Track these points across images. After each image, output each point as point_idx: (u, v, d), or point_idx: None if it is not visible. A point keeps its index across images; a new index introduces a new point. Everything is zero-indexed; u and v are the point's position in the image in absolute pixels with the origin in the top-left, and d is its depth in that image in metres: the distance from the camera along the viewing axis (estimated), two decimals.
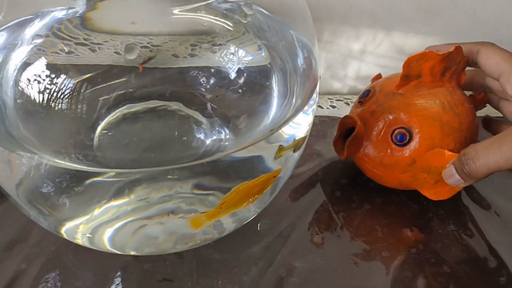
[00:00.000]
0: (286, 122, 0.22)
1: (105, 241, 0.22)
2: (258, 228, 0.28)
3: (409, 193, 0.31)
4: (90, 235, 0.21)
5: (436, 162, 0.27)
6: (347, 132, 0.30)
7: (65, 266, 0.25)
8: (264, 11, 0.26)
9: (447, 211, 0.30)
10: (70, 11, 0.23)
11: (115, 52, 0.26)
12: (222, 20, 0.24)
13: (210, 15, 0.24)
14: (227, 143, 0.25)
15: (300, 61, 0.26)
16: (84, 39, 0.25)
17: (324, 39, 0.38)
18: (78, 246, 0.26)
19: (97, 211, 0.20)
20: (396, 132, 0.28)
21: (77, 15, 0.24)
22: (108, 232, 0.21)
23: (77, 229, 0.21)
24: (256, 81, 0.26)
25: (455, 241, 0.29)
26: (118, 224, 0.21)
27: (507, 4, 0.38)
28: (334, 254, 0.27)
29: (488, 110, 0.32)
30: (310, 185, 0.32)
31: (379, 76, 0.32)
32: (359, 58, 0.40)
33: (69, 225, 0.21)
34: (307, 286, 0.25)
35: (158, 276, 0.25)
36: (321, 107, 0.39)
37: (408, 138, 0.27)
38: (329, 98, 0.40)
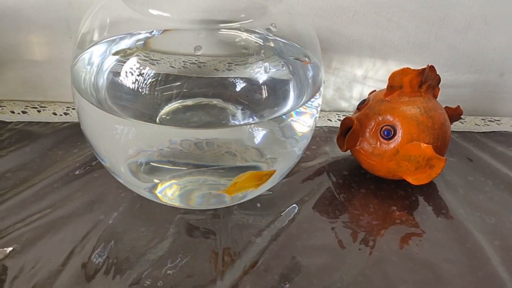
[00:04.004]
0: (295, 109, 0.31)
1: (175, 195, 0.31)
2: (271, 192, 0.36)
3: (397, 183, 0.39)
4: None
5: (414, 152, 0.35)
6: (346, 131, 0.38)
7: (132, 218, 0.34)
8: (284, 40, 0.36)
9: (427, 197, 0.38)
10: (152, 33, 0.33)
11: (170, 66, 0.35)
12: (253, 36, 0.34)
13: (245, 33, 0.34)
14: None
15: (310, 73, 0.35)
16: (145, 56, 0.34)
17: (333, 66, 0.47)
18: (141, 205, 0.35)
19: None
20: (383, 128, 0.36)
21: (143, 40, 0.34)
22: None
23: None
24: (278, 87, 0.35)
25: (432, 217, 0.36)
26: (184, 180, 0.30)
27: (483, 39, 0.47)
28: (337, 222, 0.35)
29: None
30: (319, 174, 0.40)
31: (374, 91, 0.41)
32: (362, 82, 0.49)
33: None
34: (314, 242, 0.33)
35: (201, 228, 0.33)
36: (330, 120, 0.48)
37: (392, 133, 0.36)
38: (337, 114, 0.49)
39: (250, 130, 0.32)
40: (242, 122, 0.35)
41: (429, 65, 0.37)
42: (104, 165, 0.33)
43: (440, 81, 0.38)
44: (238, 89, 0.35)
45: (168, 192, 0.32)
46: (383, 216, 0.36)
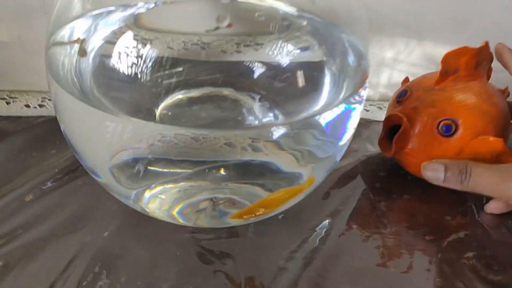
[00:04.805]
0: (332, 107, 0.24)
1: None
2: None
3: None
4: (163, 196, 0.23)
5: (482, 149, 0.29)
6: (389, 131, 0.31)
7: (128, 239, 0.27)
8: (317, 18, 0.29)
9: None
10: (149, 5, 0.26)
11: (168, 47, 0.28)
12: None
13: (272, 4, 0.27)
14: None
15: (351, 59, 0.28)
16: (135, 34, 0.27)
17: None
18: (139, 221, 0.28)
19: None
20: (442, 124, 0.29)
21: (135, 14, 0.27)
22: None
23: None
24: (305, 73, 0.28)
25: (495, 227, 0.30)
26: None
27: None
28: (381, 238, 0.29)
29: None
30: (351, 177, 0.33)
31: (407, 80, 0.35)
32: (391, 66, 0.42)
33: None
34: (358, 264, 0.27)
35: (215, 251, 0.27)
36: None
37: (454, 128, 0.29)
38: None
39: (273, 131, 0.24)
40: (261, 120, 0.28)
41: (485, 41, 0.30)
42: (87, 171, 0.26)
43: (493, 59, 0.32)
44: (254, 75, 0.28)
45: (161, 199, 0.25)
46: (438, 229, 0.29)
